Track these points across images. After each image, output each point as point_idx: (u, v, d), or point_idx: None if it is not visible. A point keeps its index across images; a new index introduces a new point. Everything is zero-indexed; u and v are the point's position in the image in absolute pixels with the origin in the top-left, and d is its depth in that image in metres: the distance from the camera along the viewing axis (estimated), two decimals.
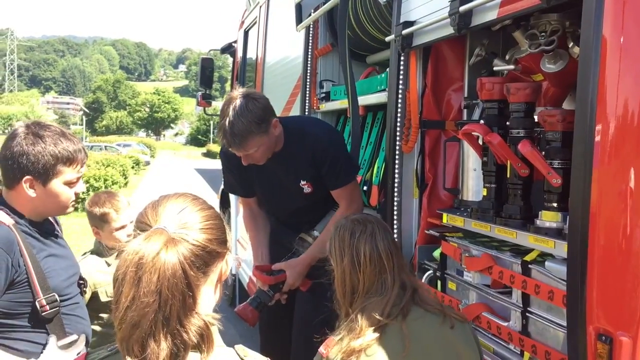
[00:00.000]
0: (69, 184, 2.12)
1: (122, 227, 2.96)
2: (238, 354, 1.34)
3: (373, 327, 1.80)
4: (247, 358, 1.34)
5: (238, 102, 2.68)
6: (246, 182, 3.15)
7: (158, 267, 1.18)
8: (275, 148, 2.87)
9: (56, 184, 2.08)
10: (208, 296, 1.33)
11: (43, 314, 2.03)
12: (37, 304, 2.02)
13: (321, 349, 1.88)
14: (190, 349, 1.23)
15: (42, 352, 2.03)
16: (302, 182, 2.99)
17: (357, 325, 1.82)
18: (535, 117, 2.24)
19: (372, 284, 1.89)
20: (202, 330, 1.24)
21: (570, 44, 2.14)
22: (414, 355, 1.80)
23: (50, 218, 2.25)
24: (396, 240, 1.98)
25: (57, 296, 2.06)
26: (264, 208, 3.31)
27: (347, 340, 1.80)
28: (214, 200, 8.16)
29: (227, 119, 2.66)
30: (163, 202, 1.34)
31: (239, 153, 2.78)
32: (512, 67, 2.43)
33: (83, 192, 2.24)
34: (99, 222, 2.98)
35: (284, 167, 2.96)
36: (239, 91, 2.76)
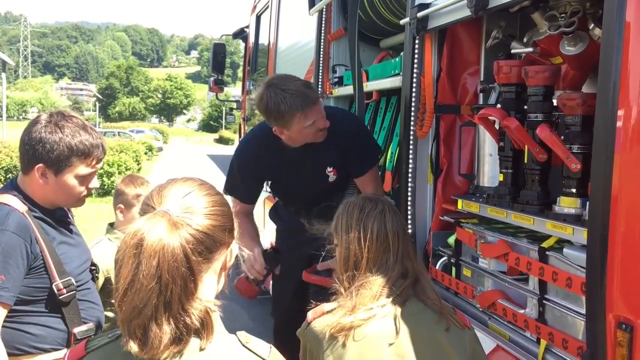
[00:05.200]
0: (82, 178, 2.10)
1: None
2: (240, 340, 1.32)
3: (367, 307, 1.78)
4: (249, 344, 1.32)
5: (278, 79, 2.79)
6: (256, 185, 3.14)
7: (158, 250, 1.16)
8: None
9: (68, 177, 2.07)
10: (210, 284, 1.31)
11: (60, 297, 2.05)
12: (54, 287, 2.03)
13: (309, 315, 1.87)
14: (192, 334, 1.22)
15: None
16: (329, 169, 3.01)
17: (352, 302, 1.80)
18: (554, 101, 2.20)
19: (375, 262, 1.86)
20: (203, 316, 1.22)
21: (591, 26, 2.08)
22: (402, 348, 1.76)
23: None
24: (407, 226, 1.95)
25: (73, 280, 2.07)
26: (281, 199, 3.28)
27: (339, 316, 1.78)
28: None
29: (287, 88, 2.69)
30: (169, 185, 1.32)
31: (321, 107, 2.79)
32: (530, 49, 2.38)
33: (96, 189, 2.23)
34: (131, 201, 2.97)
35: (312, 154, 2.94)
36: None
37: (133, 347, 1.18)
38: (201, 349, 1.23)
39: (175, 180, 1.35)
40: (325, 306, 1.86)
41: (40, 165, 2.04)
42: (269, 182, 3.30)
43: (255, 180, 3.11)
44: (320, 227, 2.17)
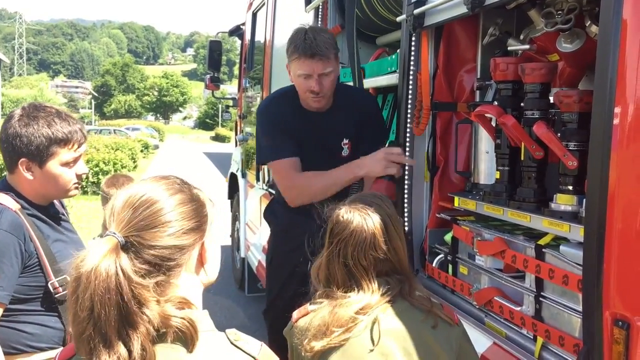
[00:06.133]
0: (67, 164, 2.09)
1: None
2: (229, 338, 1.29)
3: (343, 328, 1.71)
4: (238, 342, 1.29)
5: (313, 26, 2.86)
6: (293, 139, 2.96)
7: (91, 281, 1.13)
8: (329, 99, 2.94)
9: (53, 166, 2.06)
10: (189, 283, 1.29)
11: (56, 295, 2.04)
12: (50, 286, 2.03)
13: (294, 314, 1.86)
14: (172, 341, 1.19)
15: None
16: (345, 142, 3.02)
17: (324, 322, 1.73)
18: (551, 98, 2.20)
19: (345, 284, 1.79)
20: (185, 323, 1.19)
21: (588, 23, 2.08)
22: (386, 348, 1.71)
23: (56, 202, 2.23)
24: (395, 239, 1.86)
25: (69, 278, 2.06)
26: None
27: (310, 336, 1.73)
28: (222, 185, 8.15)
29: (307, 34, 2.75)
30: (123, 195, 1.24)
31: (318, 66, 2.77)
32: (527, 46, 2.38)
33: (86, 174, 2.21)
34: None
35: (333, 121, 2.95)
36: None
37: None
38: (188, 352, 1.20)
39: (131, 187, 1.28)
40: (310, 306, 1.84)
41: (23, 159, 2.03)
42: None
43: (288, 134, 2.94)
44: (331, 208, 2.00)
